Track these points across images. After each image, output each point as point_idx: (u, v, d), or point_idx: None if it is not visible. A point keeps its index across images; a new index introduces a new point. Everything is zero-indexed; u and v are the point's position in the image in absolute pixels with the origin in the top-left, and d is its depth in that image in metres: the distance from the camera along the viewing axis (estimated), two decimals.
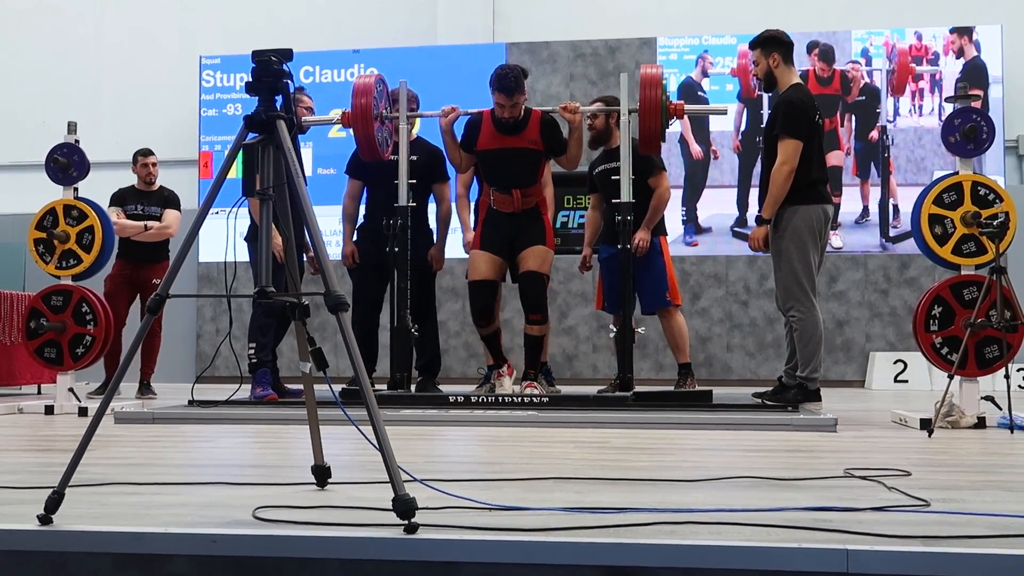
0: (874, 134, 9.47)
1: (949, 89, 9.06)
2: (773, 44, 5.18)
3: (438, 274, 6.18)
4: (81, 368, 5.96)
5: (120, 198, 7.10)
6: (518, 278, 5.55)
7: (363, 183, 6.02)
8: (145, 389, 7.04)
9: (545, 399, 5.21)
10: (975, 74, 9.15)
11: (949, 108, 7.83)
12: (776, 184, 5.02)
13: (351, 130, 5.49)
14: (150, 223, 7.10)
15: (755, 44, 5.25)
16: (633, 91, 5.65)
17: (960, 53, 9.43)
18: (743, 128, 9.58)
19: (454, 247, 6.58)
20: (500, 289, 5.71)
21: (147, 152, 7.25)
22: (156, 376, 7.17)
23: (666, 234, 6.02)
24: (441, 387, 6.12)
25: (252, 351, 5.72)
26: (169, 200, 7.30)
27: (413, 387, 5.77)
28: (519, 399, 5.20)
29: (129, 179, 7.32)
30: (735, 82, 9.59)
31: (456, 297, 9.50)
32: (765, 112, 9.10)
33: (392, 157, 5.66)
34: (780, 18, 9.68)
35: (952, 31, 9.43)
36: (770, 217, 5.09)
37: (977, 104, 5.35)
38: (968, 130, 5.04)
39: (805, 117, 5.02)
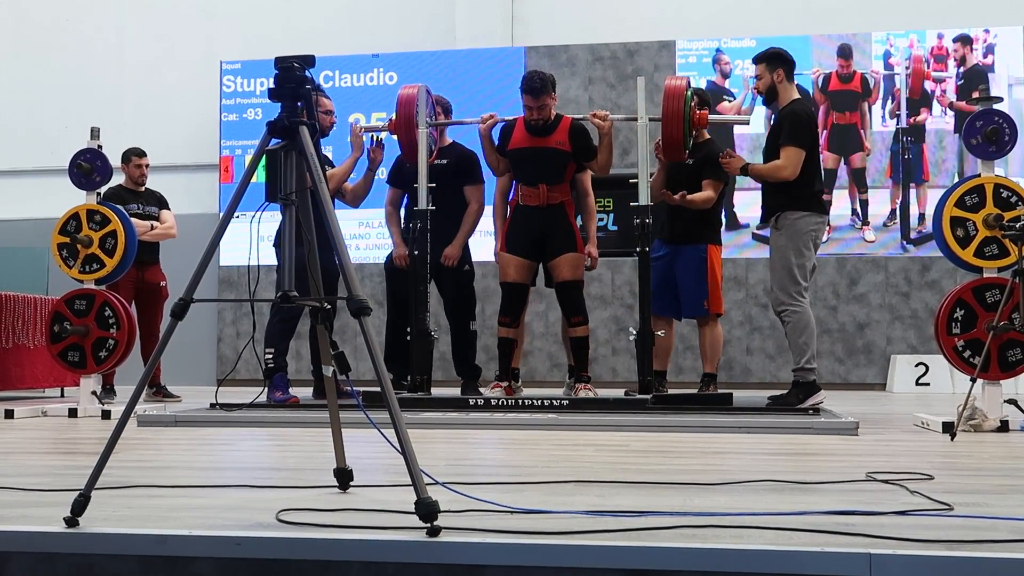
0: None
1: None
2: (779, 61, 5.31)
3: None
4: (104, 371, 6.02)
5: (118, 197, 6.83)
6: (555, 288, 5.74)
7: (402, 191, 6.13)
8: (159, 389, 7.08)
9: (565, 402, 5.23)
10: (976, 82, 9.04)
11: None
12: (770, 174, 5.21)
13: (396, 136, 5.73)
14: (155, 223, 7.14)
15: (760, 59, 5.36)
16: (652, 95, 5.65)
17: (961, 62, 9.37)
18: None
19: (484, 251, 6.68)
20: (529, 292, 5.89)
21: (141, 153, 7.25)
22: (177, 379, 7.17)
23: (718, 244, 5.94)
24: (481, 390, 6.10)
25: (270, 356, 5.74)
26: (163, 201, 7.35)
27: (458, 390, 5.99)
28: (539, 402, 5.23)
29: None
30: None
31: (477, 301, 9.48)
32: None
33: (436, 161, 5.86)
34: (799, 20, 9.66)
35: (956, 40, 9.35)
36: (751, 172, 5.35)
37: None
38: (990, 132, 5.03)
39: (809, 129, 5.20)
